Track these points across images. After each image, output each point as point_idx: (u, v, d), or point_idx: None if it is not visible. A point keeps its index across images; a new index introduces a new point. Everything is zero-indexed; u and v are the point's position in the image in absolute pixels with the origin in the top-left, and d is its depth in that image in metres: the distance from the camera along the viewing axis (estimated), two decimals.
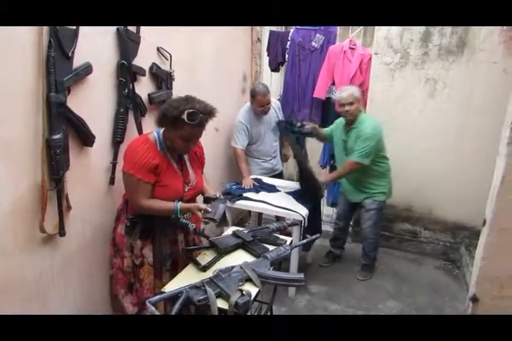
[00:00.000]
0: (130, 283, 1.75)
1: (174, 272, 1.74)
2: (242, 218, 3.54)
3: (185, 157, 1.74)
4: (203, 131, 1.59)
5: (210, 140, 1.67)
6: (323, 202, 3.23)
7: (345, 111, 2.46)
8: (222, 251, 1.70)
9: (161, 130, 1.63)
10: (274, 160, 3.15)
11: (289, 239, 1.91)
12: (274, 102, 3.01)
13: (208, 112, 1.52)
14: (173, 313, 1.29)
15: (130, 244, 1.70)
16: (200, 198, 1.85)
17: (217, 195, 1.72)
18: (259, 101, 2.75)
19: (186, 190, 1.70)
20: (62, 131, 1.46)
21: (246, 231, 1.86)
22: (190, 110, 1.46)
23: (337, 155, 2.78)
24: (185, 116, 1.46)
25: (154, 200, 1.61)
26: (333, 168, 3.32)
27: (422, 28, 2.76)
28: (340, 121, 2.68)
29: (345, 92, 2.48)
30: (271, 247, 1.73)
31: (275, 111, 3.01)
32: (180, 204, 1.60)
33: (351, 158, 2.50)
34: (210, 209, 1.58)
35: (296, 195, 2.66)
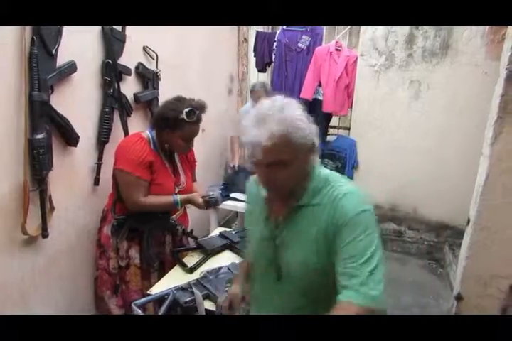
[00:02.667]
0: (116, 285, 1.72)
1: (162, 273, 1.72)
2: (229, 219, 3.53)
3: (176, 159, 1.74)
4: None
5: (199, 140, 1.67)
6: None
7: (265, 179, 0.93)
8: (209, 252, 1.69)
9: (154, 131, 1.63)
10: None
11: None
12: None
13: (202, 107, 1.59)
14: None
15: (116, 245, 1.67)
16: None
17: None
18: (252, 96, 2.86)
19: (176, 192, 1.69)
20: (45, 130, 1.42)
21: (233, 232, 1.85)
22: (188, 109, 1.52)
23: (259, 278, 1.11)
24: (184, 116, 1.51)
25: (153, 196, 1.61)
26: None
27: (406, 31, 2.80)
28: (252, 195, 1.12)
29: (259, 129, 0.85)
30: None
31: None
32: (179, 197, 1.63)
33: (353, 300, 0.82)
34: (211, 193, 1.67)
35: None
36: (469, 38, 2.68)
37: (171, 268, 1.66)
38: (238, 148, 3.07)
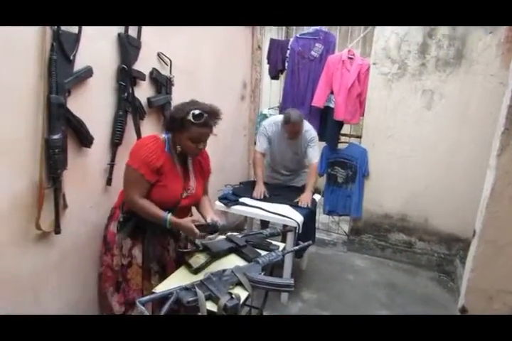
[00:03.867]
0: (118, 282, 1.76)
1: (163, 276, 1.73)
2: (238, 224, 3.55)
3: (190, 164, 1.76)
4: (211, 132, 1.63)
5: (211, 144, 1.71)
6: (319, 209, 3.24)
7: None
8: (214, 255, 1.72)
9: (170, 134, 1.66)
10: (286, 177, 3.01)
11: (281, 245, 1.93)
12: (310, 135, 2.73)
13: (213, 112, 1.59)
14: (162, 314, 1.31)
15: (120, 242, 1.71)
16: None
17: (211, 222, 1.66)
18: (288, 129, 2.61)
19: (184, 197, 1.70)
20: (62, 131, 1.49)
21: (240, 236, 1.87)
22: (196, 111, 1.53)
23: None
24: (190, 117, 1.53)
25: (149, 202, 1.61)
26: (330, 177, 3.36)
27: (419, 40, 2.80)
28: None
29: None
30: (263, 252, 1.75)
31: (303, 139, 2.73)
32: (170, 217, 1.59)
33: None
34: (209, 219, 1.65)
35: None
36: (484, 47, 2.65)
37: (172, 272, 1.68)
38: (262, 172, 2.84)
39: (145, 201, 1.61)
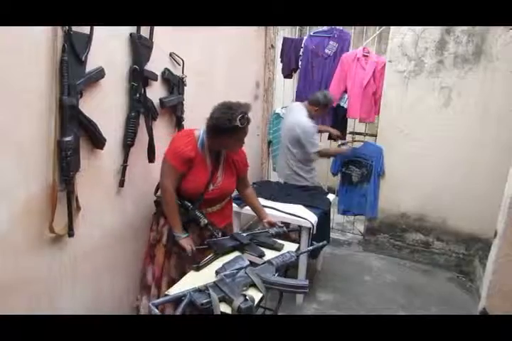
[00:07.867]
0: (152, 256, 1.91)
1: (180, 259, 1.87)
2: (252, 224, 3.54)
3: (222, 160, 1.86)
4: None
5: None
6: (334, 209, 3.20)
7: None
8: (217, 252, 1.71)
9: (207, 137, 1.76)
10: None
11: (295, 246, 1.90)
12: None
13: (249, 109, 1.71)
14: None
15: (157, 220, 1.88)
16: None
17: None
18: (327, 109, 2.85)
19: (211, 190, 1.80)
20: (74, 133, 1.48)
21: (245, 234, 1.85)
22: (240, 115, 1.63)
23: None
24: (238, 123, 1.62)
25: (177, 206, 1.77)
26: (344, 176, 3.31)
27: (437, 36, 2.74)
28: None
29: None
30: (267, 251, 1.73)
31: None
32: (181, 232, 1.79)
33: None
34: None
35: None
36: (504, 43, 2.57)
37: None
38: None
39: (174, 201, 1.76)
